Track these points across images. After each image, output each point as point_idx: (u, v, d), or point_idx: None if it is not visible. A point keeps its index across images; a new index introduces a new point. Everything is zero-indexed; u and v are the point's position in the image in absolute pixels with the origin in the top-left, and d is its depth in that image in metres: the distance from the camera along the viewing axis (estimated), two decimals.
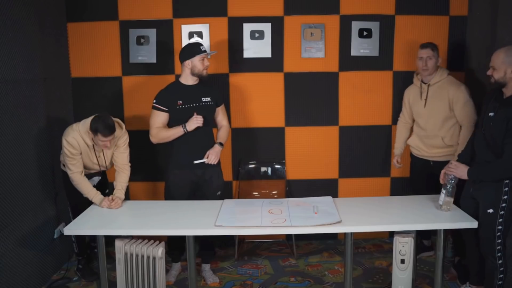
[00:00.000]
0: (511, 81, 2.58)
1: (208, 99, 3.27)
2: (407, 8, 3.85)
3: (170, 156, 3.32)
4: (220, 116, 3.40)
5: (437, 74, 3.37)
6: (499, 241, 2.68)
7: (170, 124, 3.26)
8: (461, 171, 2.73)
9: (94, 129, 2.94)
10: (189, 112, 3.19)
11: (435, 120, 3.37)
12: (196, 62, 3.16)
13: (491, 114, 2.65)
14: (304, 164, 4.06)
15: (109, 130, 2.94)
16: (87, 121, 3.04)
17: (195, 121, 3.15)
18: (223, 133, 3.39)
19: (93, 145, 3.11)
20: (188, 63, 3.17)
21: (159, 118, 3.22)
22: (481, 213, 2.71)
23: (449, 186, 2.75)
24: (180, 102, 3.20)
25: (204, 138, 3.28)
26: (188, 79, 3.24)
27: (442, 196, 2.78)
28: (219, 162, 3.34)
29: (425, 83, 3.40)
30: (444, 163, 2.97)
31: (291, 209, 2.91)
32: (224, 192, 4.02)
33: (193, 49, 3.18)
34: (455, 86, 3.32)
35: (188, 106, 3.21)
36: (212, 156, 3.23)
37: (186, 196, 3.30)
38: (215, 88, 3.43)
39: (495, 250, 2.69)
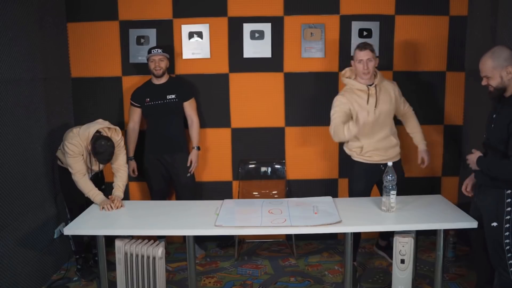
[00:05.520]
0: (511, 82, 2.42)
1: (173, 96, 3.68)
2: (407, 8, 3.85)
3: (145, 143, 3.75)
4: (188, 109, 3.75)
5: (378, 74, 3.26)
6: (510, 255, 2.49)
7: (145, 118, 3.74)
8: (474, 157, 2.57)
9: (94, 152, 3.05)
10: (155, 108, 3.65)
11: (387, 119, 3.28)
12: (149, 63, 3.64)
13: (494, 115, 2.53)
14: (304, 164, 4.06)
15: (106, 161, 3.13)
16: (88, 130, 3.06)
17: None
18: (195, 133, 3.78)
19: (89, 152, 3.14)
20: (148, 65, 3.67)
21: (134, 112, 3.73)
22: (485, 226, 2.59)
23: (391, 186, 2.75)
24: (148, 99, 3.67)
25: (169, 131, 3.70)
26: (154, 79, 3.71)
27: (393, 198, 2.76)
28: (186, 150, 3.79)
29: (369, 85, 3.22)
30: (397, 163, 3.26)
31: (291, 209, 2.91)
32: (224, 191, 4.03)
33: (147, 53, 3.66)
34: (389, 81, 3.35)
35: (154, 103, 3.66)
36: (194, 163, 3.77)
37: (161, 178, 3.76)
38: (182, 85, 3.80)
39: (507, 265, 2.50)
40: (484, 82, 2.49)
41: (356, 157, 3.35)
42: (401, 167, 3.44)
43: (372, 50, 3.16)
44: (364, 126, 3.10)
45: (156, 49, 3.62)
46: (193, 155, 3.75)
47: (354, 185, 3.40)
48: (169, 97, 3.66)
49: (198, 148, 3.79)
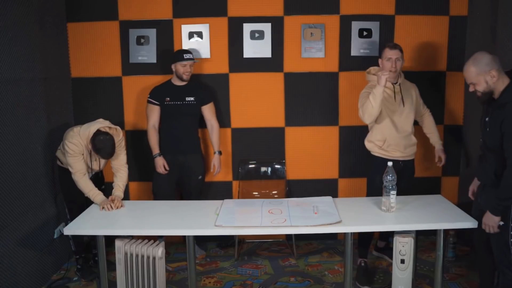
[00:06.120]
0: (497, 85, 2.47)
1: (192, 98, 3.68)
2: (407, 8, 3.85)
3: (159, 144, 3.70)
4: (207, 114, 3.76)
5: (401, 74, 3.39)
6: None
7: (162, 117, 3.69)
8: (490, 220, 2.51)
9: (96, 149, 3.03)
10: (173, 108, 3.64)
11: (409, 117, 3.38)
12: (178, 67, 3.62)
13: (487, 119, 2.56)
14: (304, 164, 4.06)
15: (109, 155, 3.10)
16: (89, 129, 3.05)
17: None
18: (216, 138, 3.79)
19: (90, 151, 3.14)
20: (173, 66, 3.65)
21: (153, 111, 3.67)
22: None
23: (391, 186, 2.77)
24: (168, 99, 3.65)
25: (185, 132, 3.71)
26: (176, 80, 3.69)
27: (394, 198, 2.77)
28: (199, 151, 3.82)
29: (394, 83, 3.33)
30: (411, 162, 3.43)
31: (291, 209, 2.91)
32: (224, 191, 4.02)
33: (177, 55, 3.63)
34: (410, 82, 3.45)
35: (174, 103, 3.65)
36: (218, 168, 3.79)
37: (171, 179, 3.71)
38: (202, 89, 3.79)
39: (511, 264, 2.48)
40: (471, 89, 2.54)
41: (376, 152, 3.39)
42: (413, 166, 3.51)
43: (401, 51, 3.25)
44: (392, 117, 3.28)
45: (189, 54, 3.61)
46: (215, 160, 3.77)
47: (373, 180, 3.43)
48: (188, 99, 3.66)
49: (220, 153, 3.80)
